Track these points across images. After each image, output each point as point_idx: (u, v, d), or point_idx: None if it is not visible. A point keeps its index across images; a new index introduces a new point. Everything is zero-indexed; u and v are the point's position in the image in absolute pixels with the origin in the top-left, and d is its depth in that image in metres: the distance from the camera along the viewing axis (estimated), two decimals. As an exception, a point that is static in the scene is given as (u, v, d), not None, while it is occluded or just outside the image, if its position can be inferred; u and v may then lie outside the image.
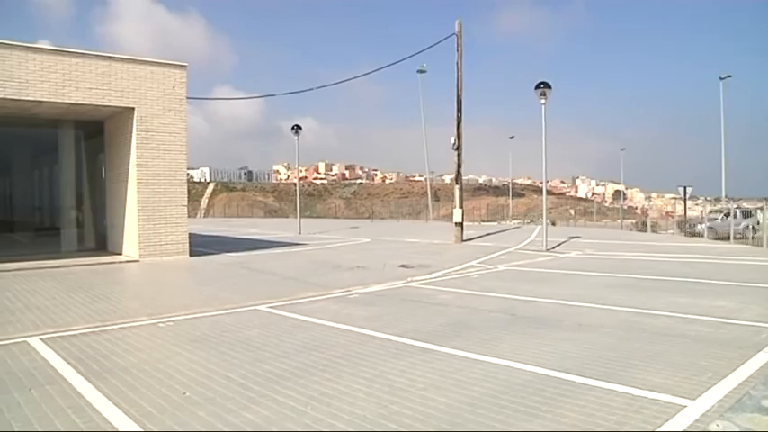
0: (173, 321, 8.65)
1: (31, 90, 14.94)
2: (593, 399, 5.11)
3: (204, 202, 65.25)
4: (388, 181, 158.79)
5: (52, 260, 15.96)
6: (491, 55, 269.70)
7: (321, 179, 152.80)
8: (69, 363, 6.46)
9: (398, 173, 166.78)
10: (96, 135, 18.59)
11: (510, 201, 79.87)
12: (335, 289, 11.61)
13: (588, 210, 76.48)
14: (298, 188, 36.31)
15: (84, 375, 5.98)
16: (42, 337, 7.65)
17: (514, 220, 61.62)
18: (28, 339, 7.55)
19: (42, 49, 15.70)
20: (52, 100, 15.29)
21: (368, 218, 52.74)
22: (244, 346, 7.19)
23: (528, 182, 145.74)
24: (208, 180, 79.57)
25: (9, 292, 11.89)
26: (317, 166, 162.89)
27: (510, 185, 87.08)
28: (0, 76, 14.51)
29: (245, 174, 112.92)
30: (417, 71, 57.02)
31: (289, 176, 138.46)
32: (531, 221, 55.92)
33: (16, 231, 25.30)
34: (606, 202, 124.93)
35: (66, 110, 16.48)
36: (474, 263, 16.13)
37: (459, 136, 22.85)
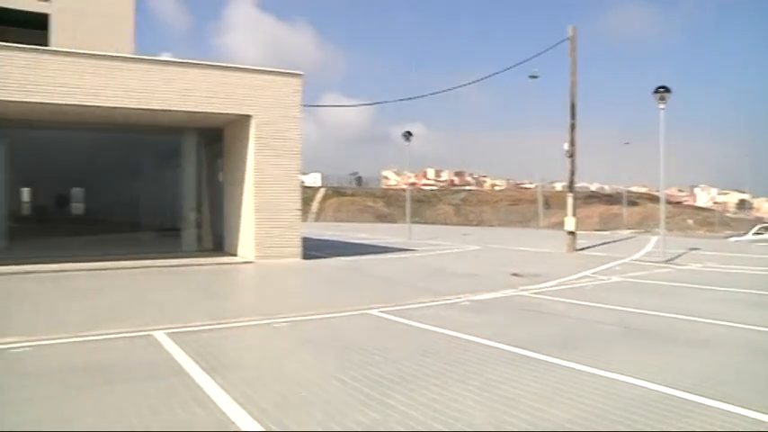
0: (287, 322, 8.87)
1: (159, 100, 15.83)
2: (714, 420, 4.84)
3: (315, 206, 66.69)
4: (497, 188, 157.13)
5: (173, 259, 16.82)
6: (602, 56, 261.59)
7: (430, 185, 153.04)
8: (191, 357, 6.75)
9: (508, 180, 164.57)
10: (215, 141, 19.46)
11: (624, 209, 77.06)
12: (446, 295, 11.57)
13: (708, 220, 72.70)
14: (408, 194, 36.53)
15: (205, 370, 6.22)
16: (167, 331, 8.03)
17: (628, 229, 59.42)
18: (153, 333, 7.95)
19: (168, 61, 16.61)
20: (177, 109, 16.15)
21: (477, 225, 52.40)
22: (356, 349, 7.27)
23: (643, 190, 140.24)
24: (319, 185, 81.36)
25: (135, 288, 12.61)
26: (426, 172, 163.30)
27: (624, 193, 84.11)
28: (137, 88, 15.49)
29: (355, 179, 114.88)
30: (529, 77, 55.99)
31: (398, 182, 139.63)
32: (647, 231, 53.70)
33: (141, 231, 26.82)
34: (729, 211, 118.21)
35: (189, 118, 17.36)
36: (587, 273, 15.66)
37: (572, 142, 22.32)
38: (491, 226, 48.96)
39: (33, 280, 13.73)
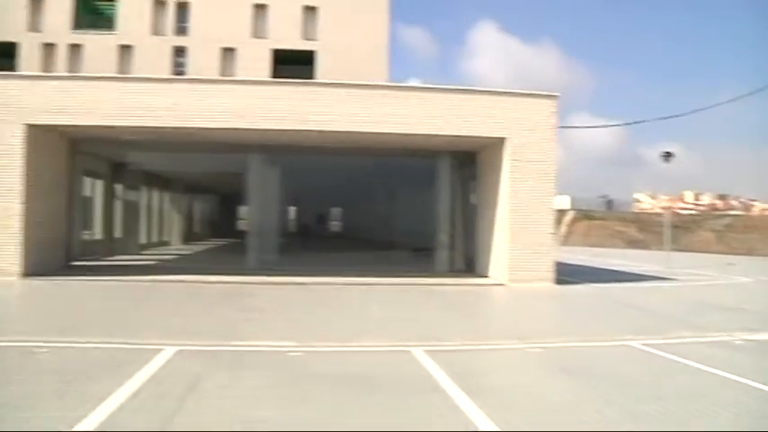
0: (541, 348, 8.68)
1: (417, 125, 16.55)
2: None
3: (563, 229, 65.04)
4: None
5: (426, 278, 17.36)
6: None
7: (688, 209, 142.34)
8: (449, 375, 6.86)
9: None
10: (468, 164, 19.81)
11: None
12: (714, 332, 10.55)
13: None
14: (667, 219, 34.26)
15: (463, 389, 6.27)
16: (425, 348, 8.25)
17: None
18: (412, 349, 8.21)
19: (425, 88, 17.36)
20: (434, 133, 16.74)
21: (744, 254, 47.42)
22: (616, 381, 6.89)
23: None
24: (567, 208, 79.52)
25: (392, 304, 13.23)
26: (683, 195, 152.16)
27: None
28: (396, 115, 16.41)
29: (604, 202, 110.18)
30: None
31: (652, 206, 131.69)
32: None
33: (394, 250, 28.07)
34: None
35: (444, 142, 17.91)
36: None
37: None
38: (762, 256, 43.91)
39: (303, 291, 15.00)
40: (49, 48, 47.73)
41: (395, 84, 17.06)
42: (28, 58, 46.93)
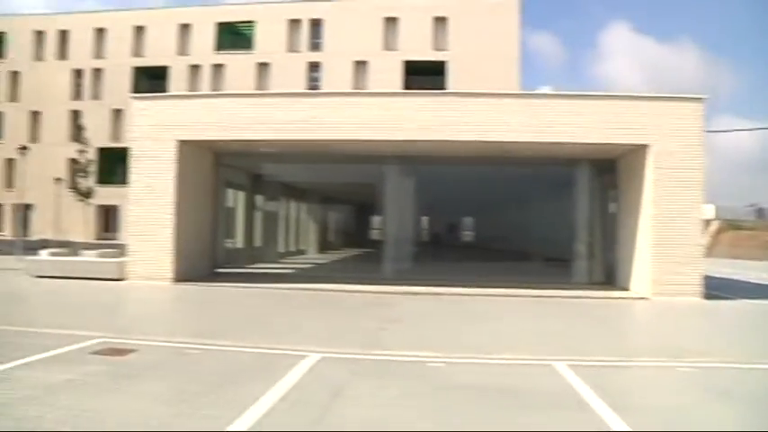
0: (693, 368, 8.12)
1: (554, 133, 16.16)
2: None
3: (707, 240, 61.43)
4: None
5: (564, 290, 16.82)
6: None
7: None
8: (595, 392, 6.58)
9: None
10: (607, 171, 19.08)
11: None
12: None
13: None
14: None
15: (612, 408, 5.99)
16: (568, 362, 7.97)
17: None
18: (554, 363, 7.96)
19: (561, 95, 16.92)
20: (572, 141, 16.28)
21: None
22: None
23: None
24: (712, 217, 75.09)
25: (529, 316, 12.94)
26: None
27: None
28: (532, 123, 16.12)
29: (754, 211, 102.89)
30: None
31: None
32: None
33: (528, 260, 27.52)
34: None
35: (582, 149, 17.37)
36: None
37: None
38: None
39: (439, 301, 14.99)
40: (194, 69, 51.01)
41: (527, 92, 16.75)
42: (176, 78, 50.29)
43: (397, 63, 47.67)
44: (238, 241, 24.17)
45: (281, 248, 28.63)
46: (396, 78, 46.44)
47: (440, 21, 48.22)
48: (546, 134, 16.19)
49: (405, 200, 21.02)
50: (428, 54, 47.74)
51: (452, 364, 7.88)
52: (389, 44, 48.69)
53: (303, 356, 7.99)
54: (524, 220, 32.36)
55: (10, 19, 55.38)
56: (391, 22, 48.69)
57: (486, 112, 16.45)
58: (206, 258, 19.12)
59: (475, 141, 16.51)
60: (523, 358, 8.30)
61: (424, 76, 45.08)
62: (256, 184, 24.88)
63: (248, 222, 24.74)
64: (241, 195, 24.13)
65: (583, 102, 16.67)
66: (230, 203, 22.89)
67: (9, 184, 51.35)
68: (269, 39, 50.29)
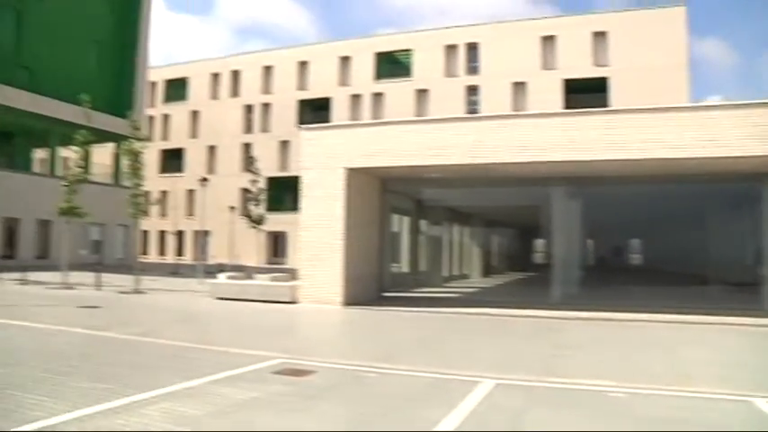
0: None
1: (733, 148, 15.05)
2: None
3: None
4: None
5: (752, 318, 15.45)
6: None
7: None
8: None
9: None
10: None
11: None
12: None
13: None
14: None
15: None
16: None
17: None
18: (752, 399, 7.36)
19: (747, 104, 15.72)
20: (758, 154, 15.07)
21: None
22: None
23: None
24: None
25: (715, 345, 12.10)
26: None
27: None
28: (709, 136, 15.16)
29: None
30: None
31: None
32: None
33: (704, 284, 25.71)
34: None
35: (763, 162, 16.04)
36: None
37: None
38: None
39: (612, 327, 14.42)
40: (355, 98, 53.10)
41: (697, 104, 15.73)
42: (338, 108, 52.53)
43: (556, 82, 46.82)
44: (404, 266, 24.63)
45: (444, 273, 28.81)
46: (556, 98, 45.57)
47: (599, 36, 46.83)
48: (721, 148, 15.01)
49: (571, 222, 20.49)
50: (589, 71, 46.44)
51: (634, 395, 7.54)
52: (548, 63, 47.96)
53: (477, 382, 8.00)
54: (701, 242, 30.30)
55: (190, 65, 60.77)
56: (549, 40, 47.98)
57: (655, 128, 15.61)
58: (374, 282, 19.66)
59: (644, 159, 15.70)
60: (716, 392, 7.74)
61: (586, 93, 43.82)
62: (420, 208, 25.30)
63: (413, 247, 25.17)
64: (406, 220, 24.63)
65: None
66: (395, 228, 23.41)
67: (190, 212, 55.87)
68: (426, 65, 51.27)
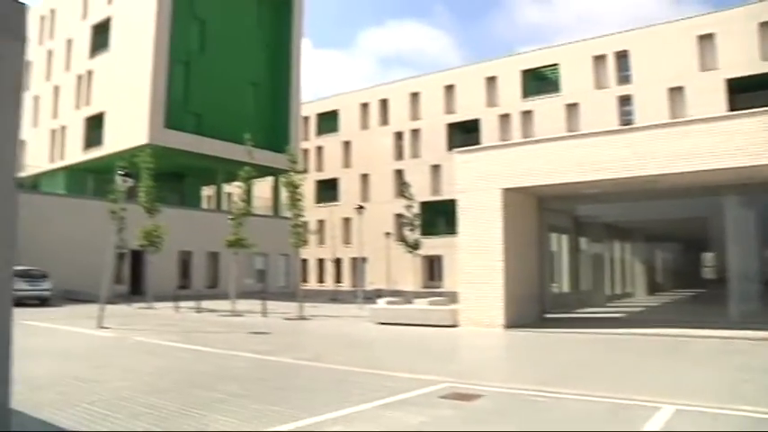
0: None
1: None
2: None
3: None
4: None
5: None
6: None
7: None
8: None
9: None
10: None
11: None
12: None
13: None
14: None
15: None
16: None
17: None
18: None
19: None
20: None
21: None
22: None
23: None
24: None
25: None
26: None
27: None
28: None
29: None
30: None
31: None
32: None
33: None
34: None
35: None
36: None
37: None
38: None
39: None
40: (503, 118, 52.80)
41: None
42: (487, 129, 52.37)
43: (717, 82, 43.69)
44: (564, 285, 23.91)
45: (607, 291, 27.64)
46: (718, 99, 42.46)
47: (766, 26, 42.99)
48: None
49: (746, 233, 18.93)
50: (755, 67, 42.74)
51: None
52: (707, 63, 44.91)
53: (657, 408, 7.55)
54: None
55: (339, 98, 63.27)
56: (706, 39, 44.91)
57: None
58: (534, 304, 19.23)
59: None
60: None
61: (753, 92, 40.51)
62: (578, 226, 24.50)
63: (573, 266, 24.38)
64: (564, 239, 23.93)
65: None
66: (554, 247, 22.82)
67: (347, 240, 57.59)
68: (574, 78, 49.92)
